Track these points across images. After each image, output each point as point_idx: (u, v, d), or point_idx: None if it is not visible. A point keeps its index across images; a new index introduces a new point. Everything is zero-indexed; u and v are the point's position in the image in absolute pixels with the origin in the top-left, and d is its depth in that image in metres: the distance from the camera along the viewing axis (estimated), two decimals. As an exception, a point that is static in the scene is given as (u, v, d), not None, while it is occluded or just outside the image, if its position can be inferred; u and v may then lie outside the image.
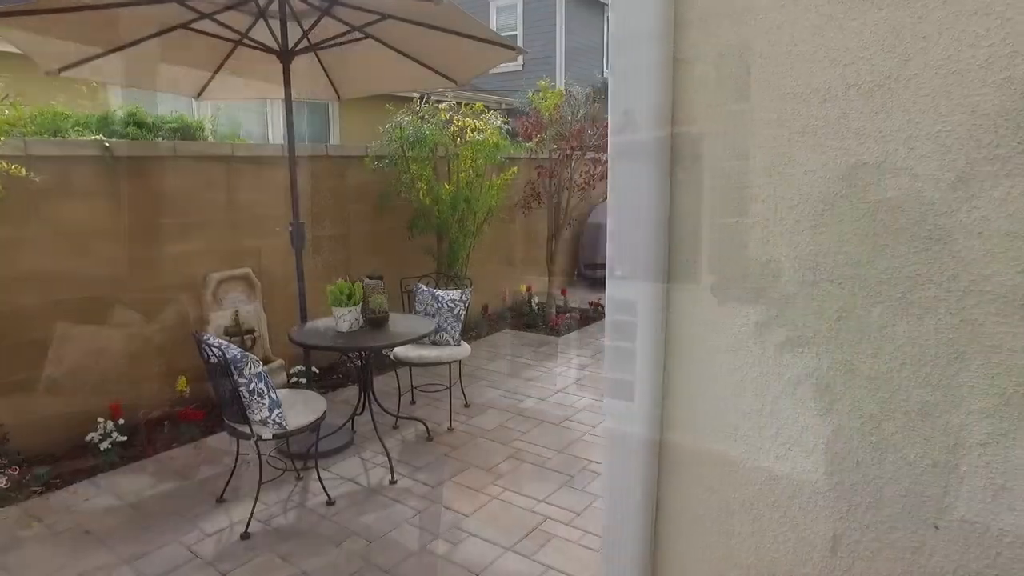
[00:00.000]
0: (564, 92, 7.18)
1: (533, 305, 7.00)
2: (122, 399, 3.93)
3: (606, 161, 5.52)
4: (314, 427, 3.11)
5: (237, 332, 4.44)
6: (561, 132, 6.63)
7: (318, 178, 5.06)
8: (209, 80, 4.40)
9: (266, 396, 2.90)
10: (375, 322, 3.61)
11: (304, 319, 3.98)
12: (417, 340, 3.52)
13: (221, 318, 4.41)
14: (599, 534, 2.90)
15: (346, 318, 3.47)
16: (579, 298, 7.79)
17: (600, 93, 10.23)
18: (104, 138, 3.84)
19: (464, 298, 4.30)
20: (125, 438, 3.71)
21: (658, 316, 1.05)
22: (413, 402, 4.62)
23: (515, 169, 6.35)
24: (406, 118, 5.40)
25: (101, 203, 3.83)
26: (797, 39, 0.88)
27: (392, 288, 4.47)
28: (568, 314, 6.96)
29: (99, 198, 3.82)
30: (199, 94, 4.51)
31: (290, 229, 3.89)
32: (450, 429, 4.14)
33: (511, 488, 3.38)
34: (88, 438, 3.65)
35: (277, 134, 8.63)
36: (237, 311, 4.47)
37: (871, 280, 0.87)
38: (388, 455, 3.59)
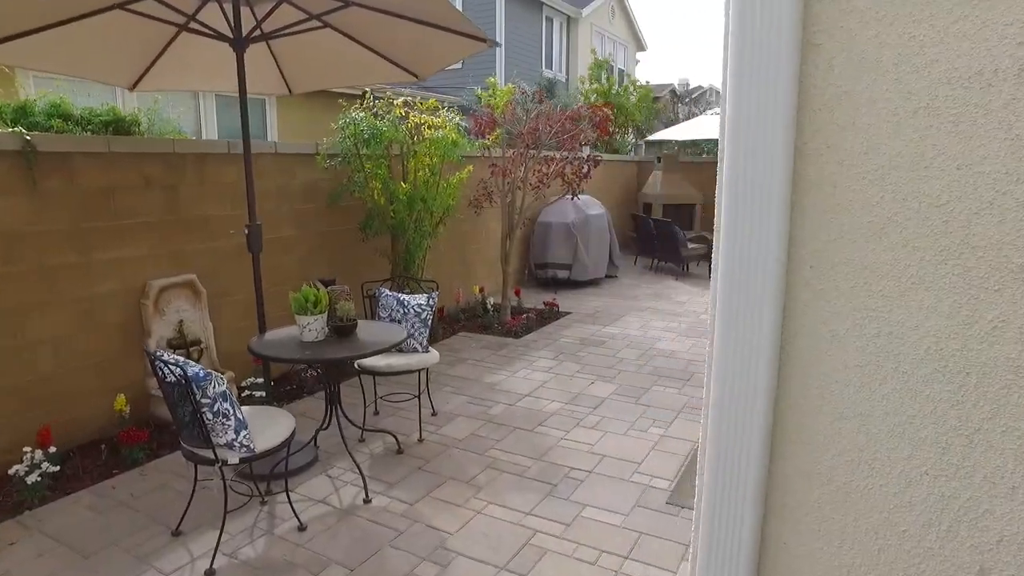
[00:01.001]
0: (515, 89, 7.07)
1: (488, 306, 6.85)
2: (52, 423, 3.51)
3: (560, 160, 5.37)
4: (283, 447, 2.85)
5: (182, 344, 4.08)
6: (516, 130, 6.50)
7: (265, 176, 4.72)
8: (147, 69, 3.99)
9: (232, 417, 2.62)
10: (342, 330, 3.36)
11: (262, 328, 3.68)
12: (390, 349, 3.30)
13: (164, 329, 4.03)
14: (593, 546, 2.80)
15: (312, 327, 3.21)
16: (532, 299, 7.70)
17: (547, 91, 10.18)
18: (24, 130, 3.41)
19: (431, 302, 4.11)
20: (57, 467, 3.31)
21: (774, 329, 0.93)
22: (376, 413, 4.38)
23: (470, 167, 6.19)
24: (360, 114, 5.13)
25: (22, 203, 3.40)
26: (957, 15, 0.78)
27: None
28: (525, 315, 6.85)
29: (19, 197, 3.39)
30: (134, 85, 4.09)
31: (246, 231, 3.57)
32: (420, 440, 3.94)
33: (494, 501, 3.22)
34: (12, 471, 3.22)
35: (211, 130, 8.10)
36: (181, 321, 4.10)
37: (1038, 286, 0.78)
38: (361, 471, 3.35)
